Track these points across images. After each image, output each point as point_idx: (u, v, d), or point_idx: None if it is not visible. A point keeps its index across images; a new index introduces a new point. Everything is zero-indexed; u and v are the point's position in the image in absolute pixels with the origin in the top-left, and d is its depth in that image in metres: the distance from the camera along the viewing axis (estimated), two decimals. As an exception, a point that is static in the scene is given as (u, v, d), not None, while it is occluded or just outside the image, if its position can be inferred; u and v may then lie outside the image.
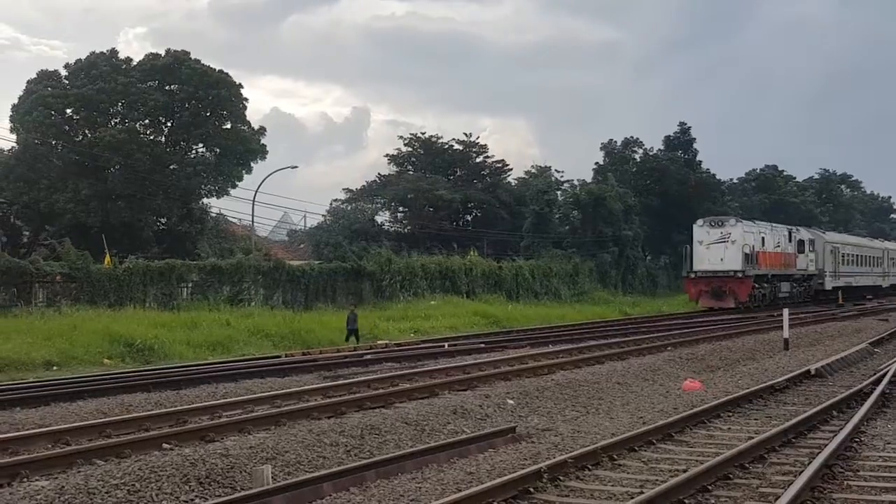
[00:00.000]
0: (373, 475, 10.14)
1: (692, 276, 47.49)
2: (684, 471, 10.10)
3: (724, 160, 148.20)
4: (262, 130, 57.14)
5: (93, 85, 51.47)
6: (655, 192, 73.74)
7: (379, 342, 27.90)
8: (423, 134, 73.90)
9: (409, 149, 73.25)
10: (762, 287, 48.94)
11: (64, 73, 54.29)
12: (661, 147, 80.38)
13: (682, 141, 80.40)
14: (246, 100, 56.09)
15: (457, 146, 73.39)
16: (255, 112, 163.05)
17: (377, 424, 13.07)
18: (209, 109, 55.15)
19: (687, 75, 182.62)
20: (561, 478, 9.95)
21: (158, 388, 16.59)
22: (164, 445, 11.37)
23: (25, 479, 9.55)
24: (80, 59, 54.47)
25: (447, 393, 16.26)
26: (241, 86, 55.80)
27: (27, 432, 12.12)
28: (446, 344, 24.78)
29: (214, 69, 54.78)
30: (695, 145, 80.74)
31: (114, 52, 55.08)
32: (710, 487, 9.56)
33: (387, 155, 73.96)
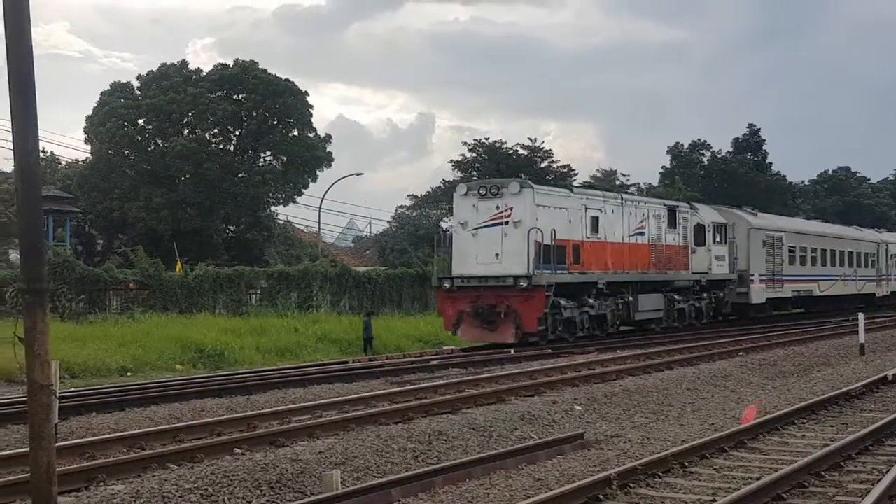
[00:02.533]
0: (441, 481, 10.13)
1: (445, 286, 26.92)
2: (758, 478, 9.93)
3: (795, 162, 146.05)
4: (328, 138, 57.76)
5: (164, 95, 52.47)
6: (724, 196, 72.83)
7: (445, 348, 27.95)
8: (486, 139, 73.87)
9: (474, 154, 73.22)
10: (586, 305, 27.97)
11: (136, 84, 55.45)
12: (730, 149, 79.49)
13: (751, 143, 79.37)
14: (312, 108, 56.83)
15: (521, 151, 73.25)
16: (321, 120, 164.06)
17: (444, 430, 13.07)
18: (276, 118, 55.90)
19: (756, 75, 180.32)
20: (631, 485, 9.85)
21: (229, 393, 16.78)
22: (236, 450, 11.50)
23: (102, 483, 9.72)
24: (152, 71, 55.62)
25: (514, 399, 16.20)
26: (306, 94, 56.55)
27: (103, 437, 12.35)
28: (512, 350, 24.71)
29: (281, 78, 55.51)
30: (764, 147, 79.61)
31: (184, 63, 56.15)
32: (784, 496, 9.39)
33: (451, 161, 74.07)
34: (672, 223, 33.51)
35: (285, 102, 54.99)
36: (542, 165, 73.28)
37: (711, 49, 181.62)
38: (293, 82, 55.99)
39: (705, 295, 35.30)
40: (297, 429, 12.95)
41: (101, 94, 54.71)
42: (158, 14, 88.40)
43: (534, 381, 18.43)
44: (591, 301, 28.22)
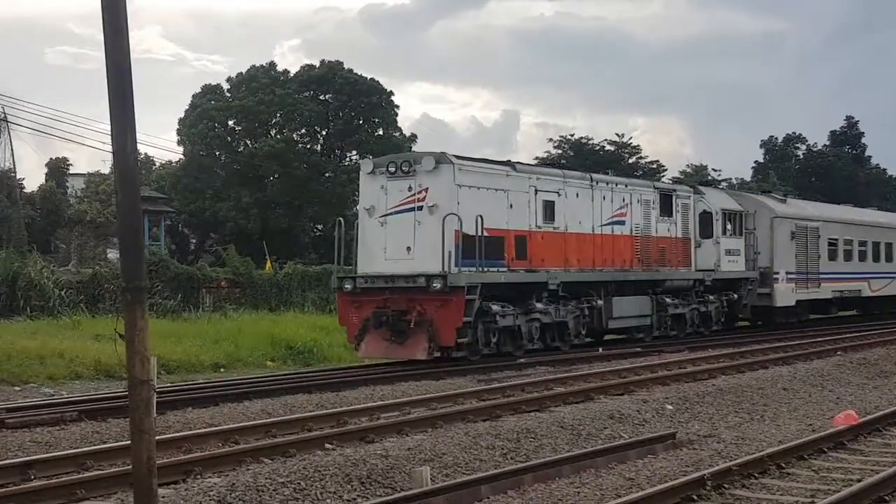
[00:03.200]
0: (530, 479, 10.13)
1: (346, 287, 21.42)
2: (858, 480, 9.72)
3: None
4: (413, 137, 58.06)
5: (253, 97, 53.40)
6: (821, 191, 71.18)
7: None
8: (572, 135, 73.56)
9: (559, 151, 72.99)
10: (534, 311, 22.46)
11: (226, 86, 56.54)
12: (827, 142, 77.60)
13: (849, 136, 77.50)
14: (397, 107, 57.24)
15: (608, 147, 72.70)
16: (406, 119, 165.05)
17: (533, 428, 13.07)
18: (362, 117, 56.43)
19: (855, 66, 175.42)
20: (725, 486, 9.72)
21: (319, 389, 17.03)
22: (327, 445, 11.66)
23: (199, 476, 9.96)
24: (241, 73, 56.60)
25: (603, 397, 16.11)
26: (391, 93, 56.95)
27: (199, 431, 12.65)
28: (600, 348, 24.58)
29: (366, 77, 56.00)
30: (863, 140, 77.51)
31: (272, 64, 57.07)
32: (886, 498, 9.17)
33: (536, 158, 73.96)
34: (666, 210, 27.71)
35: (370, 102, 55.46)
36: (630, 161, 72.69)
37: (807, 40, 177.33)
38: (378, 82, 56.47)
39: (713, 297, 29.18)
40: (386, 425, 13.09)
41: (193, 96, 55.92)
42: (247, 17, 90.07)
43: (623, 379, 18.30)
44: (539, 306, 22.51)
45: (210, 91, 55.93)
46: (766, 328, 32.67)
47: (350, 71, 55.69)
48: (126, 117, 7.99)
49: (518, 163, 24.27)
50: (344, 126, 55.72)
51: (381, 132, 56.62)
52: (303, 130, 56.59)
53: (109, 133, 7.98)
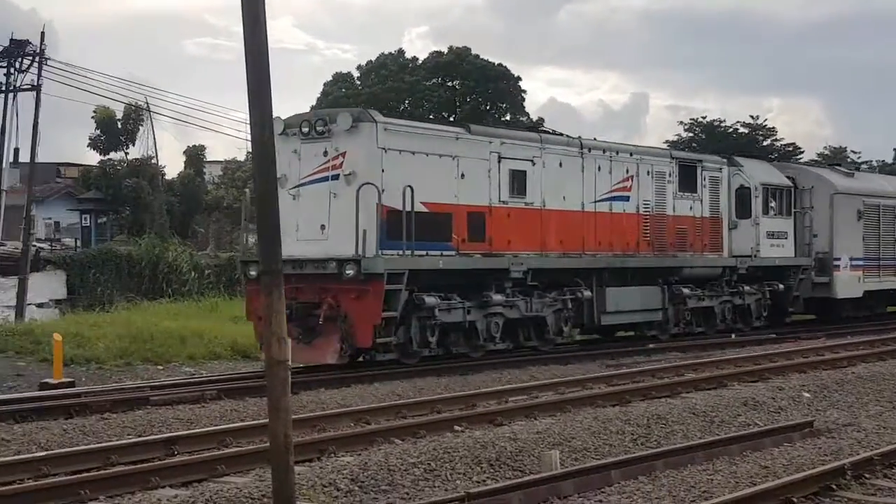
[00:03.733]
0: (661, 465, 9.99)
1: (251, 273, 16.80)
2: None
3: None
4: (541, 121, 57.70)
5: (382, 84, 54.07)
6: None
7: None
8: (704, 118, 71.80)
9: (690, 134, 71.35)
10: (490, 304, 18.26)
11: (356, 74, 57.35)
12: (974, 123, 73.75)
13: None
14: (524, 91, 57.14)
15: (742, 129, 70.76)
16: (533, 103, 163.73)
17: (663, 414, 12.89)
18: (489, 102, 56.49)
19: None
20: (866, 475, 9.40)
21: (447, 373, 17.18)
22: (456, 427, 11.77)
23: (333, 455, 10.20)
24: (371, 61, 57.30)
25: (736, 384, 15.79)
26: (519, 78, 56.83)
27: (332, 411, 12.94)
28: (733, 334, 24.02)
29: (493, 63, 56.02)
30: None
31: (400, 52, 57.63)
32: None
33: (666, 141, 72.52)
34: (688, 184, 23.18)
35: (498, 87, 55.49)
36: (765, 144, 70.63)
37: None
38: (506, 67, 56.45)
39: (750, 288, 24.45)
40: (514, 409, 13.15)
41: (325, 84, 56.93)
42: (376, 5, 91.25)
43: (758, 366, 17.91)
44: (497, 298, 18.14)
45: (341, 79, 56.85)
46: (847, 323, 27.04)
47: (477, 57, 55.78)
48: (263, 105, 8.21)
49: (474, 125, 19.72)
50: (471, 111, 55.83)
51: (508, 117, 56.56)
52: (431, 116, 56.99)
53: (247, 121, 8.21)
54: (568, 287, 20.00)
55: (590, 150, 21.01)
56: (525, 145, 19.73)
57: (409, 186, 16.71)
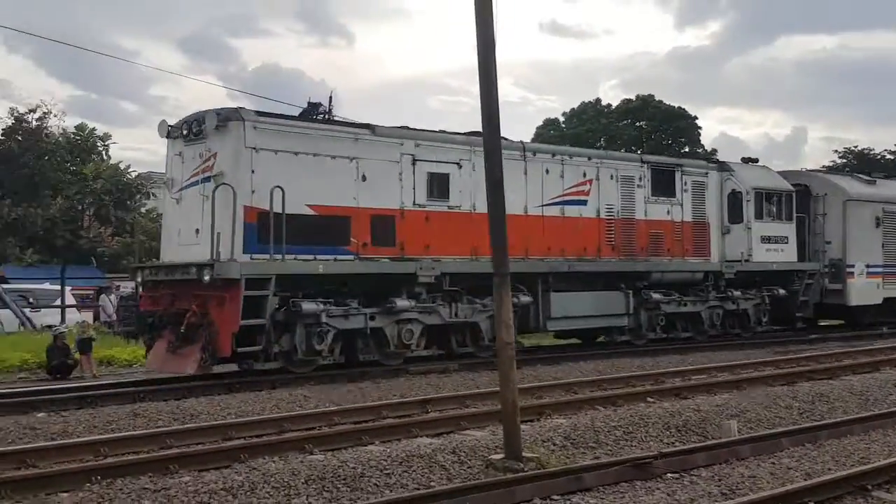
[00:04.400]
0: (825, 435, 9.33)
1: (138, 279, 14.22)
2: None
3: None
4: (714, 151, 55.57)
5: (582, 126, 53.81)
6: None
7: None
8: (855, 147, 66.50)
9: (843, 160, 66.29)
10: (393, 310, 14.21)
11: (561, 119, 57.37)
12: None
13: None
14: (700, 128, 55.48)
15: (889, 156, 64.97)
16: (707, 137, 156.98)
17: (825, 392, 12.04)
18: (671, 138, 55.23)
19: None
20: None
21: (640, 355, 16.74)
22: (648, 399, 11.43)
23: (549, 417, 10.11)
24: (573, 108, 57.17)
25: (889, 368, 14.53)
26: (695, 117, 55.27)
27: (547, 383, 12.86)
28: (884, 327, 22.00)
29: (674, 106, 54.77)
30: None
31: (598, 100, 57.21)
32: None
33: (823, 166, 67.55)
34: (664, 189, 18.42)
35: (678, 126, 54.13)
36: (912, 166, 64.48)
37: None
38: (684, 109, 55.01)
39: (750, 293, 19.66)
40: (696, 385, 12.63)
41: (536, 128, 57.15)
42: (577, 63, 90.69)
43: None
44: (402, 304, 14.18)
45: (549, 123, 56.96)
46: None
47: (660, 102, 54.64)
48: (495, 146, 8.39)
49: (382, 126, 14.97)
50: (656, 146, 54.56)
51: (687, 149, 54.84)
52: (622, 151, 56.15)
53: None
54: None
55: (534, 153, 16.59)
56: (448, 148, 15.39)
57: (279, 188, 12.82)
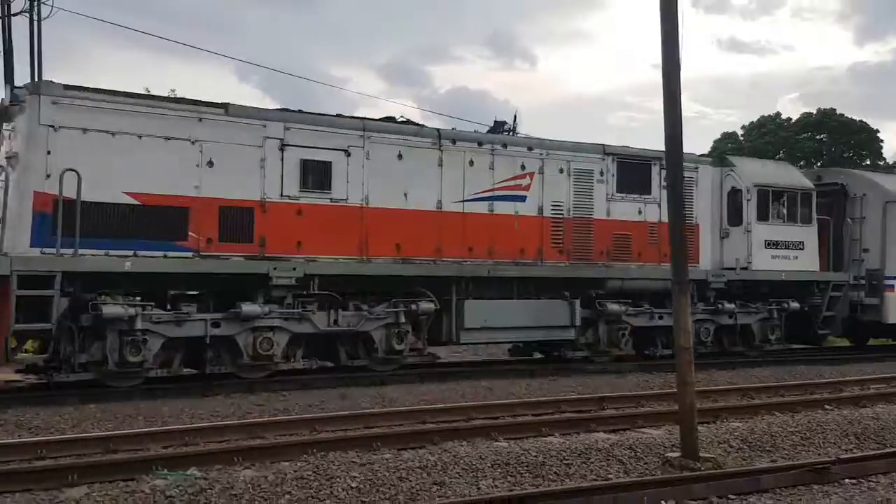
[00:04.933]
0: None
1: None
2: None
3: None
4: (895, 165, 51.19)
5: (761, 139, 51.33)
6: None
7: None
8: None
9: None
10: (249, 318, 11.24)
11: (739, 132, 55.08)
12: None
13: None
14: (882, 141, 51.42)
15: None
16: (889, 150, 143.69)
17: None
18: (851, 151, 51.50)
19: None
20: None
21: (817, 363, 15.52)
22: (826, 406, 10.57)
23: (725, 420, 9.56)
24: (752, 121, 54.83)
25: None
26: (877, 131, 51.38)
27: (723, 387, 12.17)
28: None
29: (855, 120, 51.14)
30: None
31: (777, 114, 54.60)
32: None
33: None
34: (634, 186, 14.78)
35: (859, 139, 50.27)
36: None
37: None
38: (865, 122, 51.07)
39: (754, 307, 15.63)
40: (874, 395, 11.58)
41: (714, 141, 54.89)
42: (756, 78, 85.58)
43: None
44: (251, 309, 11.27)
45: (727, 137, 54.68)
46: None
47: (841, 115, 50.96)
48: (678, 160, 8.13)
49: (239, 104, 11.99)
50: (834, 159, 50.86)
51: (868, 161, 50.65)
52: (801, 163, 52.54)
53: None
54: (409, 298, 12.52)
55: (453, 141, 13.30)
56: (331, 133, 12.35)
57: (73, 171, 10.23)
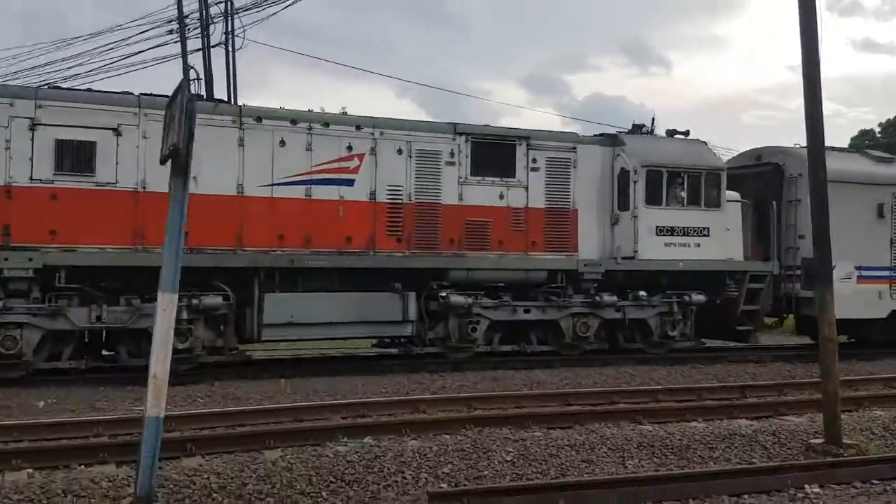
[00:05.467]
0: None
1: None
2: None
3: None
4: None
5: (898, 137, 47.14)
6: None
7: None
8: None
9: None
10: None
11: (876, 129, 50.85)
12: None
13: None
14: None
15: None
16: None
17: None
18: None
19: None
20: None
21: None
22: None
23: (867, 408, 8.97)
24: (889, 119, 50.42)
25: None
26: None
27: (864, 377, 11.37)
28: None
29: None
30: None
31: (914, 107, 49.52)
32: None
33: None
34: (494, 168, 12.35)
35: None
36: None
37: None
38: None
39: (645, 301, 13.06)
40: None
41: (851, 138, 50.90)
42: (889, 77, 78.34)
43: None
44: None
45: (864, 134, 50.56)
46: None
47: None
48: (819, 149, 7.72)
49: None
50: None
51: None
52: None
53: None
54: (193, 291, 10.51)
55: (259, 119, 11.13)
56: (95, 110, 10.37)
57: None
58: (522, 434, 7.47)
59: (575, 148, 12.89)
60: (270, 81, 62.13)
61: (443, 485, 6.18)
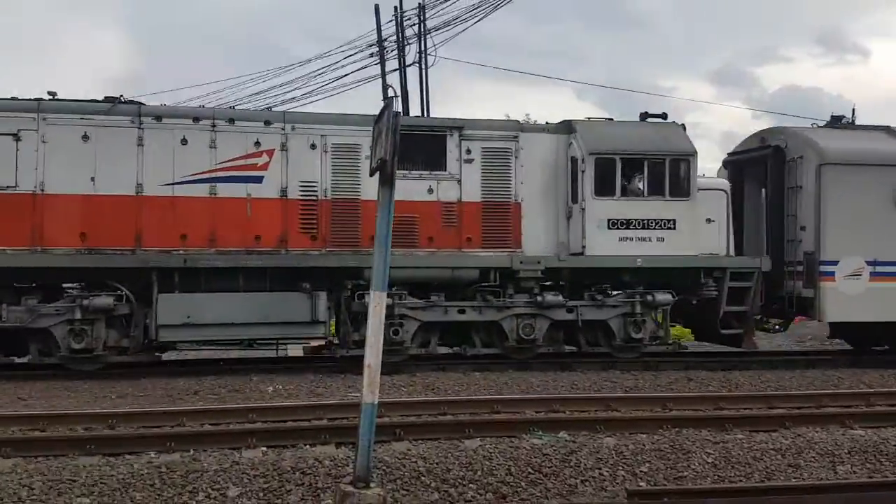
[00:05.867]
0: None
1: None
2: None
3: None
4: None
5: None
6: None
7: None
8: None
9: None
10: None
11: None
12: None
13: None
14: None
15: None
16: None
17: None
18: None
19: None
20: None
21: None
22: None
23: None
24: None
25: None
26: None
27: None
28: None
29: None
30: None
31: None
32: None
33: None
34: (423, 160, 11.03)
35: None
36: None
37: None
38: None
39: (602, 299, 11.22)
40: None
41: None
42: None
43: None
44: None
45: None
46: None
47: None
48: None
49: None
50: None
51: None
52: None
53: None
54: (84, 295, 10.50)
55: (158, 118, 10.80)
56: None
57: None
58: (724, 437, 7.21)
59: (517, 137, 11.87)
60: (458, 91, 64.43)
61: (641, 483, 6.21)
